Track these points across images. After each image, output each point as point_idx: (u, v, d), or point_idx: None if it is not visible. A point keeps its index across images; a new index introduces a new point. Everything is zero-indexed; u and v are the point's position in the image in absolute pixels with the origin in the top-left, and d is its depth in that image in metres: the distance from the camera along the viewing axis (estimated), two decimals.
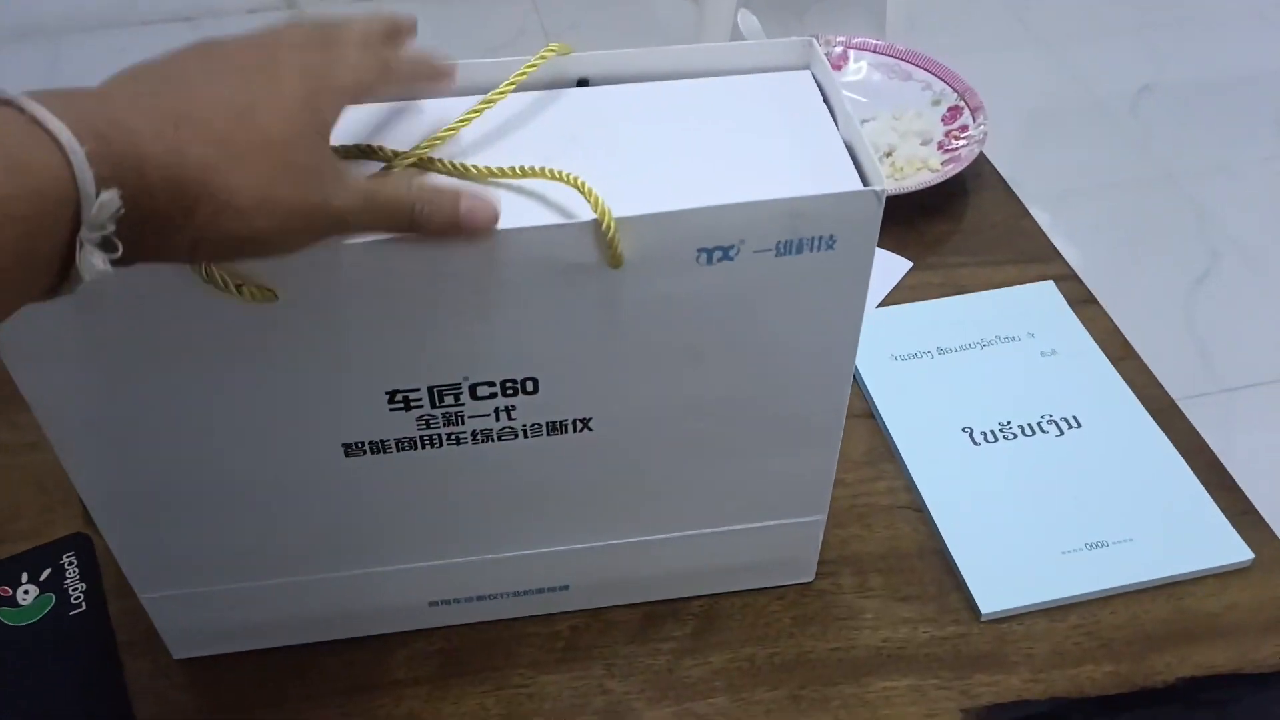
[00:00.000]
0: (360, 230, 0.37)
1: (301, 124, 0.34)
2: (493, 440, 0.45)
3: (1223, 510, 0.58)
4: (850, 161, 0.41)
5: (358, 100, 0.37)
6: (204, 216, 0.32)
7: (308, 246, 0.35)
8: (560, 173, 0.39)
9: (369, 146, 0.40)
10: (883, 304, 0.69)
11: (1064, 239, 0.75)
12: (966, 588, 0.55)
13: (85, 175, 0.28)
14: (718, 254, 0.40)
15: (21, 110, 0.28)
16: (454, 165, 0.40)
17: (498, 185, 0.40)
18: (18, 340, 0.38)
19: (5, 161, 0.27)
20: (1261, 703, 0.51)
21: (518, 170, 0.40)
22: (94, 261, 0.29)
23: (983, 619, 0.54)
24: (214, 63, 0.34)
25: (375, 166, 0.40)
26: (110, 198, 0.29)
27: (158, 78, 0.33)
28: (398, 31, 0.41)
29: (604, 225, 0.38)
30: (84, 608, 0.53)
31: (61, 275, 0.30)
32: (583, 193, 0.38)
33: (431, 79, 0.41)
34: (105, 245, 0.30)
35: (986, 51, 1.94)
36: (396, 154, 0.40)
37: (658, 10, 2.13)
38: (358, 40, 0.38)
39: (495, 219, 0.37)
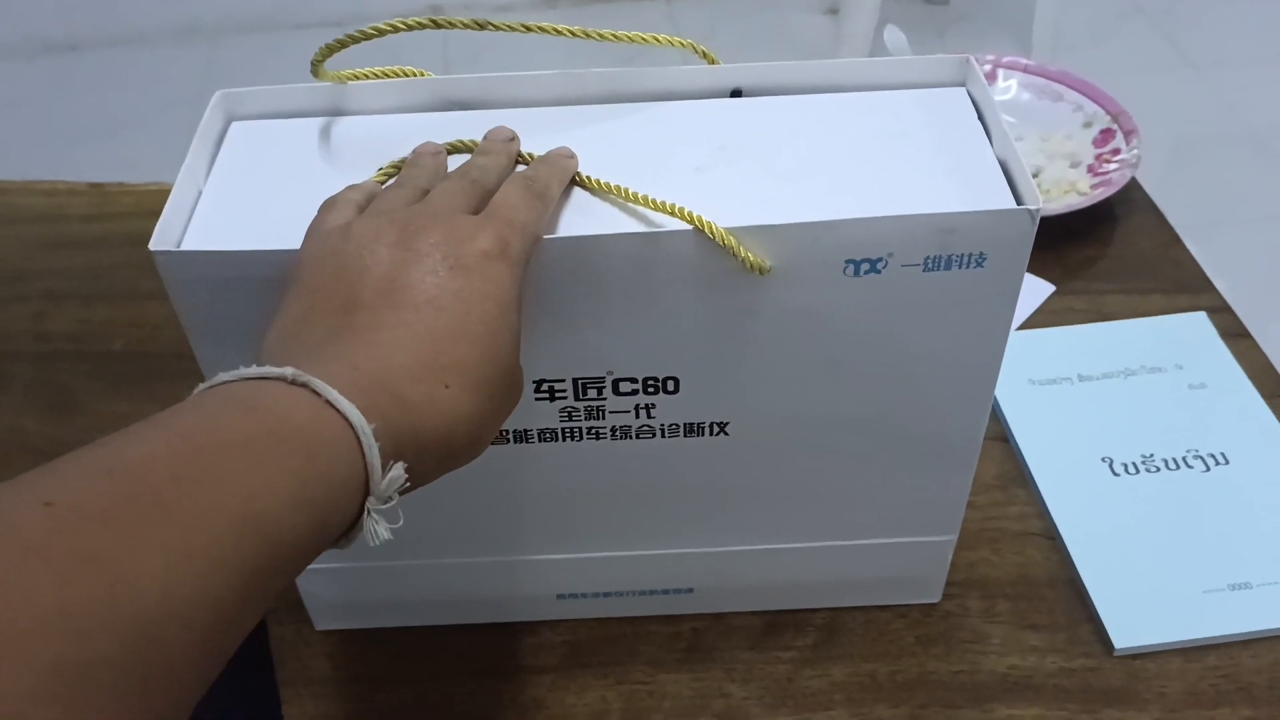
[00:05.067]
0: None
1: (516, 331, 0.35)
2: (630, 438, 0.46)
3: None
4: (1004, 180, 0.41)
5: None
6: (461, 459, 0.33)
7: None
8: (674, 206, 0.39)
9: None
10: (1022, 327, 0.68)
11: (1210, 268, 0.72)
12: (1099, 620, 0.53)
13: (374, 455, 0.29)
14: (865, 266, 0.40)
15: (316, 393, 0.29)
16: (598, 183, 0.41)
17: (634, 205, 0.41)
18: (202, 326, 0.41)
19: (306, 451, 0.28)
20: None
21: (640, 198, 0.40)
22: (380, 530, 0.30)
23: (1115, 653, 0.52)
24: (436, 273, 0.34)
25: None
26: (398, 473, 0.30)
27: (410, 307, 0.33)
28: (512, 139, 0.42)
29: (724, 243, 0.38)
30: None
31: (343, 534, 0.30)
32: (697, 224, 0.38)
33: (566, 170, 0.41)
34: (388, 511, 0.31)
35: (1134, 74, 1.88)
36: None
37: (793, 23, 2.13)
38: (511, 185, 0.38)
39: None
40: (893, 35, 0.84)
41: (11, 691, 0.21)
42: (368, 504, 0.30)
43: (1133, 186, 0.77)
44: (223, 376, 0.30)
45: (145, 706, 0.23)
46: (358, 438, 0.29)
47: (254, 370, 0.30)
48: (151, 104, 1.96)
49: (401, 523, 0.31)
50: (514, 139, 0.42)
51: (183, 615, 0.24)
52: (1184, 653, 0.53)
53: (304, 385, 0.30)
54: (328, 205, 0.38)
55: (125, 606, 0.23)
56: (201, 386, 0.30)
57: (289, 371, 0.30)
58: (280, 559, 0.27)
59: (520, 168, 0.42)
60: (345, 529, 0.30)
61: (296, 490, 0.28)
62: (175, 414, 0.28)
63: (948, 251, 0.40)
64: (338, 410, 0.29)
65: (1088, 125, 0.79)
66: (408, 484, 0.31)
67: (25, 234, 0.79)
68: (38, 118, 1.96)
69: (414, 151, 0.42)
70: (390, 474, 0.30)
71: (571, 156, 0.42)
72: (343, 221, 0.37)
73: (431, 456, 0.32)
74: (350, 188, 0.40)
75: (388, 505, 0.30)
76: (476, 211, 0.37)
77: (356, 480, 0.29)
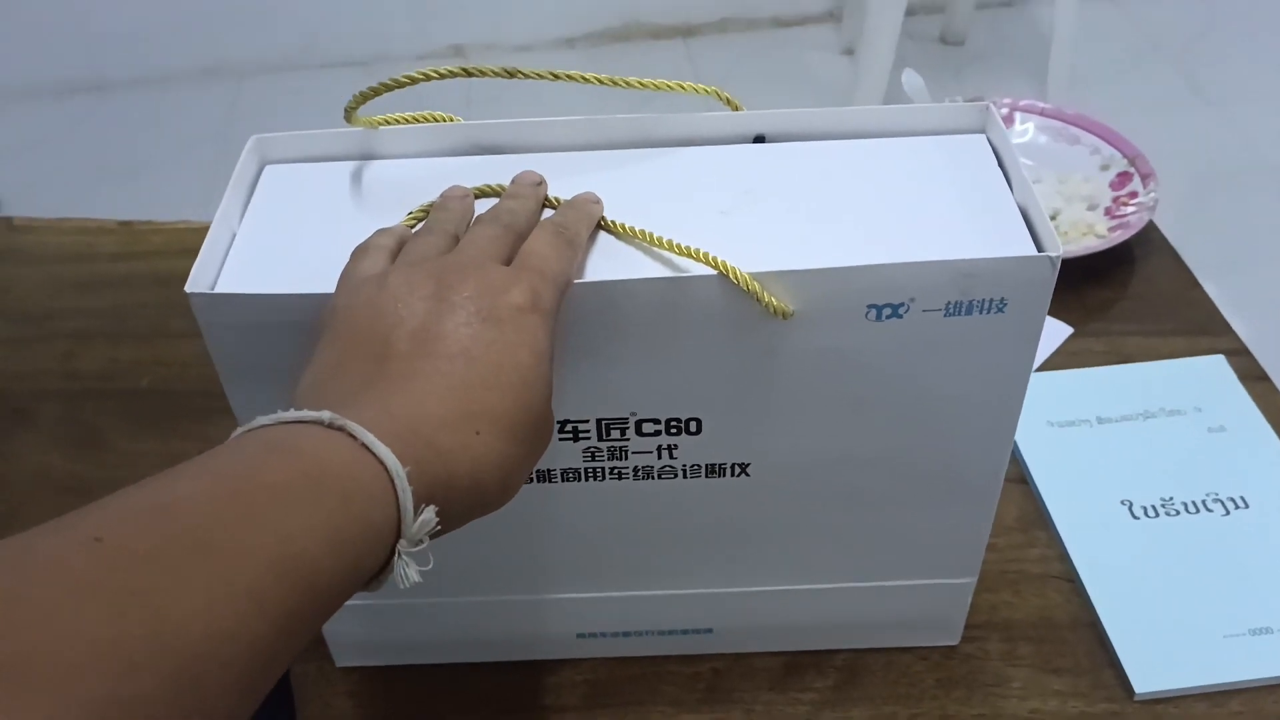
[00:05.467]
0: None
1: (548, 381, 0.35)
2: (653, 478, 0.46)
3: None
4: (1025, 226, 0.42)
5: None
6: (491, 505, 0.34)
7: None
8: (699, 251, 0.40)
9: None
10: (1041, 369, 0.68)
11: (1229, 309, 0.73)
12: (1120, 664, 0.53)
13: (407, 499, 0.30)
14: (887, 311, 0.41)
15: (352, 436, 0.30)
16: (624, 228, 0.42)
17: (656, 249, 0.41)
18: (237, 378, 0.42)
19: (343, 494, 0.29)
20: None
21: (665, 242, 0.41)
22: (410, 573, 0.30)
23: (1136, 698, 0.52)
24: (470, 325, 0.34)
25: None
26: (429, 516, 0.31)
27: (444, 357, 0.34)
28: (540, 184, 0.43)
29: (748, 288, 0.39)
30: None
31: (374, 576, 0.31)
32: (721, 269, 0.39)
33: (592, 215, 0.42)
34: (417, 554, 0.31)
35: (1151, 111, 1.88)
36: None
37: (810, 63, 2.15)
38: (542, 233, 0.39)
39: None
40: (911, 79, 0.85)
41: None
42: (399, 546, 0.30)
43: (1150, 228, 0.77)
44: (260, 420, 0.31)
45: None
46: (392, 481, 0.30)
47: (291, 414, 0.31)
48: (177, 143, 2.00)
49: (431, 565, 0.31)
50: (542, 183, 0.43)
51: (222, 654, 0.25)
52: (1207, 698, 0.52)
53: (340, 429, 0.30)
54: (359, 252, 0.39)
55: (169, 644, 0.24)
56: (239, 430, 0.31)
57: (326, 415, 0.30)
58: (316, 601, 0.28)
59: (547, 212, 0.43)
60: (376, 571, 0.30)
61: (332, 533, 0.28)
62: (215, 456, 0.29)
63: (969, 297, 0.40)
64: (373, 454, 0.30)
65: (1105, 168, 0.80)
66: (439, 527, 0.31)
67: (55, 273, 0.80)
68: (64, 157, 1.99)
69: (442, 195, 0.43)
70: (422, 517, 0.30)
71: (597, 201, 0.43)
72: (376, 270, 0.37)
73: (462, 501, 0.32)
74: (380, 232, 0.41)
75: (418, 548, 0.31)
76: (508, 258, 0.38)
77: (389, 523, 0.30)
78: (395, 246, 0.39)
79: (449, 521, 0.32)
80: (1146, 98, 1.97)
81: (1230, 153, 1.85)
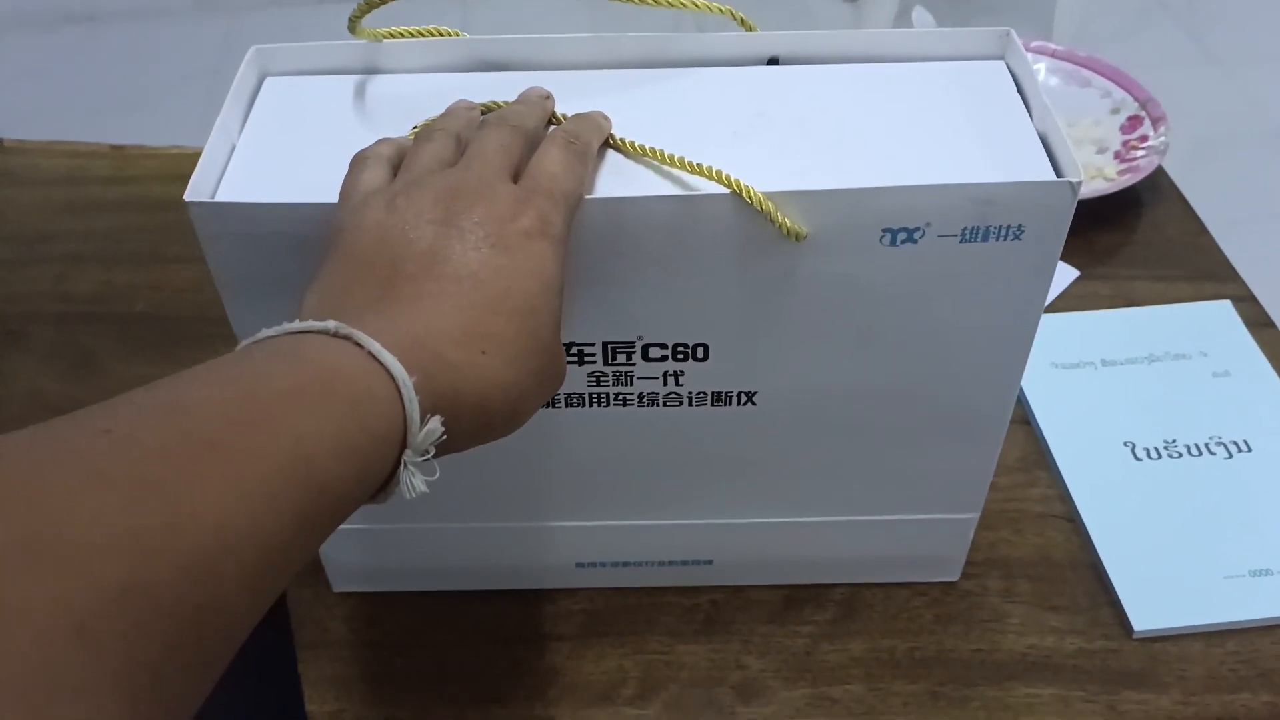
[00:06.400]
0: None
1: (556, 312, 0.35)
2: (658, 405, 0.45)
3: None
4: (1044, 152, 0.41)
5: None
6: (497, 429, 0.34)
7: None
8: (712, 169, 0.39)
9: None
10: (1046, 311, 0.68)
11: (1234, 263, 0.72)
12: (1119, 603, 0.53)
13: (414, 407, 0.30)
14: (902, 235, 0.40)
15: (359, 345, 0.30)
16: (634, 146, 0.41)
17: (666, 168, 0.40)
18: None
19: (351, 401, 0.29)
20: None
21: (677, 160, 0.39)
22: (416, 483, 0.30)
23: (1135, 636, 0.52)
24: (479, 250, 0.34)
25: None
26: (435, 426, 0.30)
27: (452, 280, 0.33)
28: (547, 97, 0.42)
29: (762, 208, 0.38)
30: None
31: (381, 487, 0.31)
32: (734, 188, 0.38)
33: (603, 129, 0.41)
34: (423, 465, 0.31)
35: (1156, 68, 1.85)
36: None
37: (812, 8, 2.11)
38: (552, 146, 0.38)
39: None
40: (921, 16, 0.84)
41: (78, 605, 0.21)
42: (405, 457, 0.30)
43: (1159, 174, 0.76)
44: (266, 332, 0.30)
45: (198, 635, 0.23)
46: (398, 389, 0.29)
47: (296, 325, 0.30)
48: (170, 78, 1.96)
49: (438, 475, 0.31)
50: (549, 97, 0.42)
51: (236, 550, 0.24)
52: (1205, 637, 0.52)
53: (346, 338, 0.30)
54: (359, 161, 0.38)
55: (185, 536, 0.23)
56: (245, 341, 0.31)
57: (331, 325, 0.30)
58: (325, 505, 0.27)
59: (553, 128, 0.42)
60: (384, 481, 0.30)
61: (341, 438, 0.28)
62: (223, 363, 0.28)
63: (986, 223, 0.39)
64: (380, 362, 0.29)
65: (1115, 111, 0.79)
66: (444, 438, 0.31)
67: (47, 195, 0.78)
68: (56, 88, 1.96)
69: (448, 108, 0.42)
70: (428, 426, 0.30)
71: (607, 118, 0.41)
72: (377, 183, 0.37)
73: (468, 419, 0.32)
74: (381, 141, 0.39)
75: (424, 459, 0.30)
76: (517, 170, 0.37)
77: (395, 432, 0.29)
78: (395, 156, 0.38)
79: (455, 440, 0.32)
80: (1152, 54, 1.94)
81: (1234, 111, 1.83)
